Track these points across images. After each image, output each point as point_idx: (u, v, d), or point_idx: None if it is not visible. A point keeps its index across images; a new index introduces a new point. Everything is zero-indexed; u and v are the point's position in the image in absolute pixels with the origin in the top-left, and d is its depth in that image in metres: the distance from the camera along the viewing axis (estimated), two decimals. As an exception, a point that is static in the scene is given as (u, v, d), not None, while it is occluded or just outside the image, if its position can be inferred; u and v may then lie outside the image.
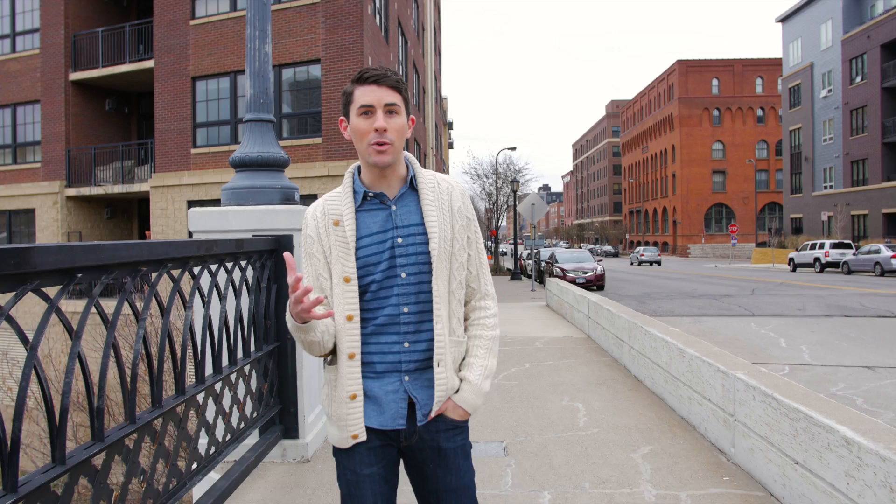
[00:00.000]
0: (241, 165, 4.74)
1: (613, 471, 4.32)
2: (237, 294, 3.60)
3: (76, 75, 21.57)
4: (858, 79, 46.18)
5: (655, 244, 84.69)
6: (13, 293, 1.90)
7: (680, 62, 76.64)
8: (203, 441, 3.23)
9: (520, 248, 40.84)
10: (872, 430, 3.05)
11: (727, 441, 4.55)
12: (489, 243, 49.22)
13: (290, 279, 1.78)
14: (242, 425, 3.71)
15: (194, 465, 3.06)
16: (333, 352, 2.02)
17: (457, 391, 2.00)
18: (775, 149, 72.96)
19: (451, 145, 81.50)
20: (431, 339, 1.94)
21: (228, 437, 3.52)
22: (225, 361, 3.48)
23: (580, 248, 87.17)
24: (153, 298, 2.72)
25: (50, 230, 21.34)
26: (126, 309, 2.45)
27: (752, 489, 3.95)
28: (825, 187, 50.44)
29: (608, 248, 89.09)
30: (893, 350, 10.09)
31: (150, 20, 20.54)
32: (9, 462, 1.82)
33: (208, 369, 3.35)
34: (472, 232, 2.06)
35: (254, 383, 3.85)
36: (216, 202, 18.68)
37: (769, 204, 72.97)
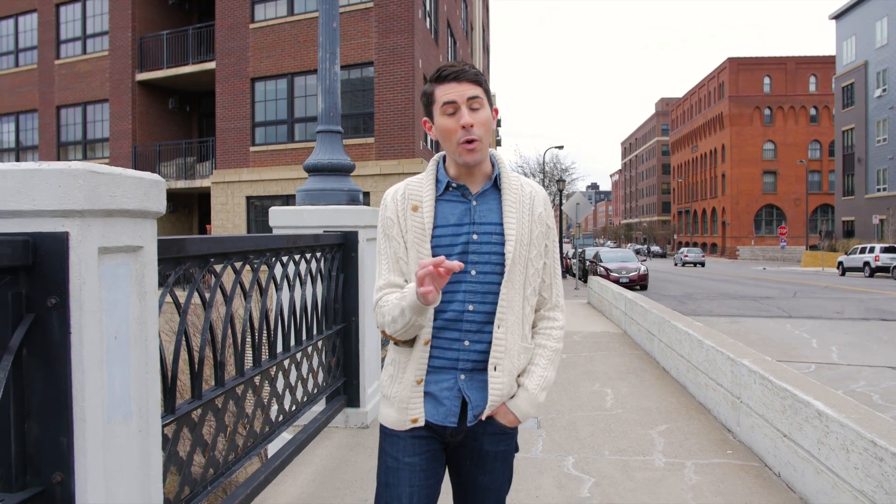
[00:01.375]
0: (314, 170, 5.50)
1: (631, 443, 4.96)
2: (314, 281, 4.36)
3: (142, 76, 22.78)
4: (914, 79, 45.44)
5: (704, 245, 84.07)
6: (172, 271, 2.65)
7: (731, 60, 75.82)
8: (287, 399, 3.98)
9: (566, 246, 41.25)
10: (840, 405, 3.65)
11: (734, 421, 5.15)
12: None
13: (424, 266, 1.72)
14: (316, 391, 4.47)
15: (268, 427, 3.80)
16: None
17: (512, 397, 1.99)
18: (828, 149, 71.71)
19: (499, 143, 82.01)
20: (490, 342, 1.94)
21: (305, 399, 4.27)
22: (304, 336, 4.23)
23: (627, 247, 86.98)
24: (255, 283, 3.48)
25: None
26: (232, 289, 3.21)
27: (750, 460, 4.56)
28: (878, 189, 49.71)
29: (656, 248, 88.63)
30: (921, 351, 10.46)
31: (211, 23, 21.61)
32: (170, 391, 2.56)
33: (292, 342, 4.09)
34: (550, 240, 2.04)
35: (324, 357, 4.60)
36: (273, 198, 19.66)
37: (821, 206, 71.79)
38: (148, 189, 2.20)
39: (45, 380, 1.86)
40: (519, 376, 2.01)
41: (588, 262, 28.87)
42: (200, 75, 22.02)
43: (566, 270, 31.89)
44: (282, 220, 5.24)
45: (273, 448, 4.49)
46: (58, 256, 1.87)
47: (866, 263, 35.42)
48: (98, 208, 1.96)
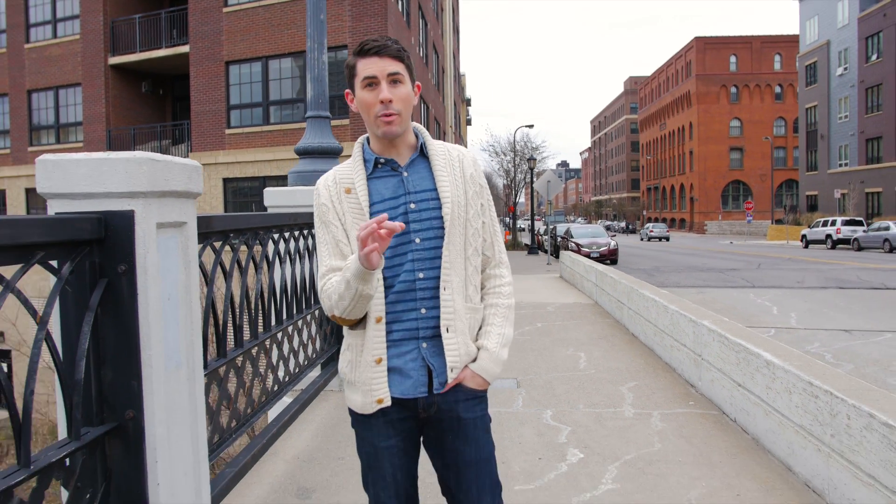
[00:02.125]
0: (305, 153, 5.88)
1: (603, 397, 5.45)
2: (311, 256, 4.76)
3: (115, 59, 22.77)
4: (874, 57, 46.47)
5: (672, 221, 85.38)
6: (201, 245, 3.04)
7: (697, 39, 76.68)
8: (291, 362, 4.40)
9: (538, 224, 41.86)
10: (785, 355, 4.15)
11: (696, 377, 5.66)
12: (507, 219, 50.30)
13: (365, 226, 1.70)
14: (314, 356, 4.89)
15: (276, 386, 4.21)
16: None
17: (474, 360, 2.00)
18: (793, 126, 72.96)
19: (469, 122, 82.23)
20: None
21: (305, 362, 4.69)
22: (303, 306, 4.64)
23: (598, 224, 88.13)
24: (264, 257, 3.88)
25: (94, 207, 22.65)
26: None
27: (710, 409, 5.07)
28: (840, 165, 50.93)
29: (624, 224, 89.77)
30: (873, 317, 11.11)
31: (184, 7, 21.64)
32: (203, 350, 2.96)
33: (294, 311, 4.50)
34: (485, 199, 2.07)
35: (320, 326, 5.02)
36: (249, 179, 19.91)
37: (787, 181, 73.13)
38: (191, 173, 2.60)
39: (117, 333, 2.26)
40: (477, 340, 2.04)
41: (559, 239, 29.45)
42: (174, 59, 22.07)
43: (538, 247, 32.44)
44: (277, 200, 5.60)
45: (274, 412, 4.91)
46: (126, 230, 2.27)
47: (828, 236, 36.45)
48: (156, 190, 2.36)
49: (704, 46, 76.27)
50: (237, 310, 3.54)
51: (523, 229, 58.73)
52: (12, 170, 24.65)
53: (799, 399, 3.73)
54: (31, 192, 24.42)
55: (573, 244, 26.20)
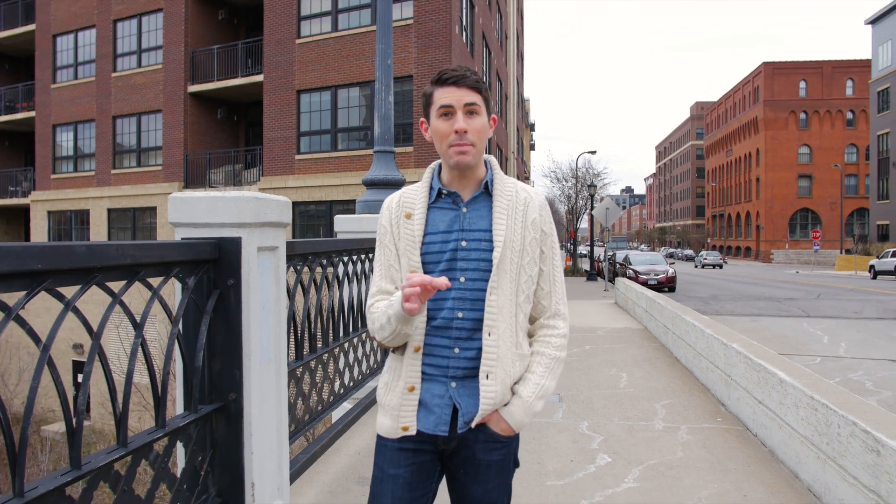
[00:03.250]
0: (371, 184, 6.57)
1: (637, 412, 5.93)
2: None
3: (194, 87, 24.14)
4: (948, 84, 45.43)
5: (738, 249, 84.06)
6: (290, 265, 3.70)
7: (766, 64, 75.76)
8: (356, 370, 5.04)
9: (598, 249, 41.98)
10: (796, 373, 4.60)
11: (726, 396, 6.09)
12: (568, 245, 50.52)
13: (411, 285, 1.76)
14: (375, 367, 5.52)
15: (342, 390, 4.84)
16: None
17: (505, 405, 1.97)
18: (865, 153, 71.24)
19: (532, 146, 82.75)
20: (481, 349, 1.93)
21: (367, 371, 5.32)
22: (362, 323, 5.29)
23: (661, 251, 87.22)
24: (335, 277, 4.53)
25: (170, 226, 23.94)
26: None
27: (735, 425, 5.50)
28: (912, 194, 49.66)
29: (689, 251, 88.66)
30: (924, 347, 11.21)
31: (259, 38, 22.87)
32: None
33: (359, 325, 5.14)
34: (547, 246, 2.02)
35: (374, 342, 5.66)
36: (316, 203, 20.86)
37: (858, 210, 71.33)
38: (282, 208, 3.26)
39: (225, 333, 2.91)
40: (515, 384, 1.99)
41: (618, 265, 29.66)
42: (248, 87, 23.28)
43: (597, 273, 32.66)
44: (346, 226, 6.29)
45: (337, 415, 5.54)
46: (234, 252, 2.93)
47: (897, 266, 35.68)
48: (257, 221, 3.02)
49: (773, 72, 75.29)
50: (312, 321, 4.19)
51: (584, 255, 58.80)
52: (97, 191, 26.26)
53: (804, 413, 4.18)
54: (112, 212, 25.96)
55: (631, 271, 26.43)
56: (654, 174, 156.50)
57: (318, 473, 4.35)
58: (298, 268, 3.94)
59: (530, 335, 2.08)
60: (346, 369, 4.91)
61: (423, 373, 1.96)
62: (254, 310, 3.00)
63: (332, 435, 4.69)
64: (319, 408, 4.35)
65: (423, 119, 2.06)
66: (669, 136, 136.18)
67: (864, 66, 70.42)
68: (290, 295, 3.82)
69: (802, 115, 75.16)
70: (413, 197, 2.03)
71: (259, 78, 22.45)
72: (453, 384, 1.94)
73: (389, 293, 2.04)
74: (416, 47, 19.44)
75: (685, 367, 7.98)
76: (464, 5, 21.60)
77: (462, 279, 1.93)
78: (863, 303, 19.67)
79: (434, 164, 2.09)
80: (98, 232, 25.86)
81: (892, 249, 38.05)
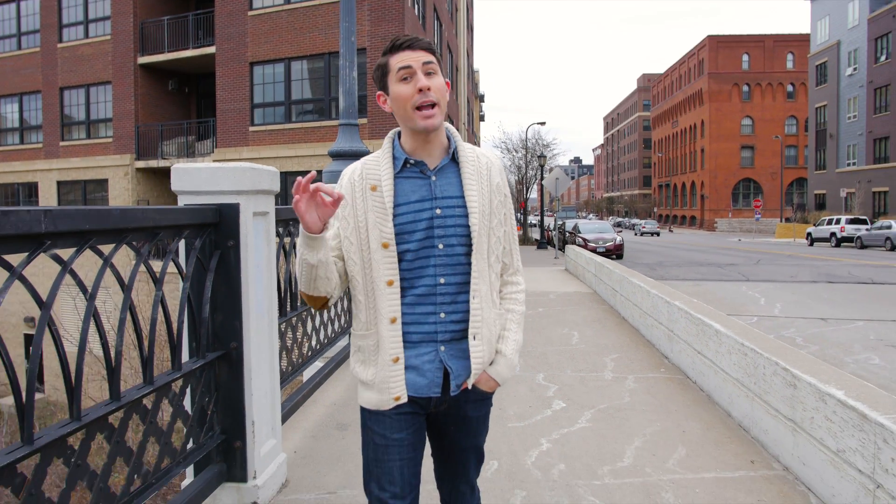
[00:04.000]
0: (337, 155, 6.91)
1: (588, 365, 6.45)
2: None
3: (144, 59, 23.87)
4: (883, 58, 47.08)
5: (683, 218, 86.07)
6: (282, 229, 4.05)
7: (710, 37, 77.18)
8: (330, 327, 5.42)
9: (548, 219, 42.76)
10: (731, 325, 5.13)
11: (669, 349, 6.64)
12: (518, 215, 51.23)
13: (300, 178, 1.80)
14: (346, 326, 5.91)
15: (319, 346, 5.22)
16: (322, 308, 2.12)
17: (491, 363, 2.06)
18: (804, 125, 73.31)
19: (482, 118, 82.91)
20: (467, 311, 1.98)
21: (339, 330, 5.71)
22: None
23: (609, 220, 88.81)
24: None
25: (121, 198, 23.82)
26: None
27: (676, 374, 6.05)
28: (848, 164, 51.52)
29: (636, 221, 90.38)
30: (851, 308, 12.03)
31: (210, 10, 22.69)
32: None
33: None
34: (508, 209, 2.09)
35: (345, 304, 6.04)
36: (272, 175, 20.94)
37: (797, 179, 73.55)
38: (273, 177, 3.62)
39: (226, 288, 3.27)
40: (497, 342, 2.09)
41: (567, 234, 30.37)
42: (200, 59, 23.11)
43: (547, 241, 33.36)
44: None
45: (310, 372, 5.92)
46: (233, 217, 3.28)
47: (833, 234, 37.20)
48: (253, 189, 3.37)
49: (717, 45, 76.76)
50: (293, 283, 4.56)
51: (534, 225, 59.67)
52: (45, 163, 25.86)
53: (735, 358, 4.71)
54: (62, 185, 25.63)
55: (580, 239, 27.14)
56: (603, 145, 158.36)
57: (300, 421, 4.74)
58: (280, 231, 4.29)
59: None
60: (322, 327, 5.30)
61: (408, 341, 1.98)
62: (251, 267, 3.37)
63: (309, 388, 5.09)
64: (300, 361, 4.74)
65: (380, 92, 2.04)
66: (617, 108, 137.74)
67: (804, 39, 71.99)
68: (278, 257, 4.17)
69: (745, 88, 76.88)
70: (375, 168, 2.00)
71: (211, 50, 22.32)
72: (442, 348, 1.98)
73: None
74: (369, 20, 19.58)
75: (632, 326, 8.54)
76: (416, -22, 21.76)
77: (440, 246, 1.95)
78: (797, 267, 20.68)
79: (392, 133, 2.06)
80: (48, 204, 25.49)
81: (827, 217, 39.60)
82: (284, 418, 4.33)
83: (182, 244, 3.15)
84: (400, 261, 1.94)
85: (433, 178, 1.98)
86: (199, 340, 3.13)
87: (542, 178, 34.86)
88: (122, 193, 23.93)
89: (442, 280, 1.96)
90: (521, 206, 47.00)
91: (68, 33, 25.43)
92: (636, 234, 63.23)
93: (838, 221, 37.39)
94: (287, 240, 4.49)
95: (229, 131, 21.79)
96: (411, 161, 1.98)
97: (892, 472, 2.78)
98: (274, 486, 3.57)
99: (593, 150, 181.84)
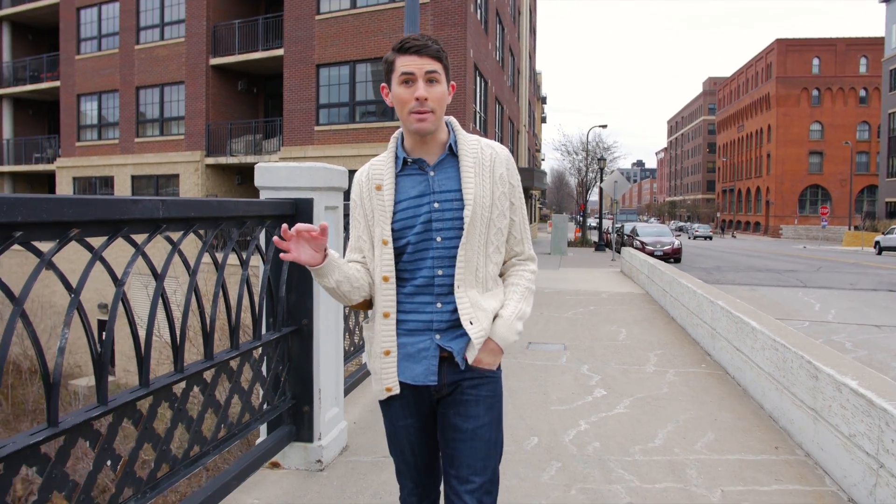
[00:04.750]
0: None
1: (632, 359, 6.76)
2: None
3: (215, 60, 24.85)
4: (960, 62, 45.54)
5: (748, 224, 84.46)
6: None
7: (779, 41, 75.54)
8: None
9: (606, 222, 42.70)
10: (766, 323, 5.40)
11: (711, 346, 6.90)
12: (578, 217, 51.27)
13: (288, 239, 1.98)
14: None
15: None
16: (369, 308, 2.18)
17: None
18: (877, 131, 71.18)
19: (544, 119, 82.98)
20: None
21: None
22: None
23: (670, 224, 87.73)
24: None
25: (191, 192, 24.84)
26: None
27: (716, 370, 6.32)
28: (921, 171, 49.96)
29: (698, 225, 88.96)
30: (908, 315, 11.97)
31: (279, 14, 23.52)
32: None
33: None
34: (516, 198, 2.11)
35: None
36: (335, 174, 21.66)
37: (868, 187, 71.39)
38: (342, 176, 4.07)
39: (299, 273, 3.72)
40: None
41: (626, 237, 30.38)
42: (268, 61, 23.96)
43: (606, 244, 33.41)
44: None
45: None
46: (308, 210, 3.73)
47: (902, 243, 36.22)
48: (325, 186, 3.81)
49: (786, 48, 75.06)
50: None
51: (594, 227, 59.53)
52: (121, 158, 27.15)
53: (768, 353, 4.98)
54: (136, 179, 26.86)
55: (638, 242, 27.17)
56: (666, 148, 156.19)
57: (359, 397, 5.20)
58: (346, 222, 4.74)
59: (502, 275, 2.20)
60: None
61: (405, 330, 2.04)
62: (322, 254, 3.81)
63: (366, 370, 5.54)
64: (361, 343, 5.19)
65: (383, 84, 2.09)
66: (682, 111, 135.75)
67: (878, 43, 70.02)
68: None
69: (815, 92, 75.00)
70: (381, 168, 2.08)
71: (279, 52, 23.14)
72: (437, 336, 2.02)
73: (356, 262, 2.15)
74: (432, 25, 20.07)
75: (679, 325, 8.78)
76: (479, -18, 22.19)
77: (438, 239, 2.00)
78: (859, 276, 20.38)
79: (397, 134, 2.13)
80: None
81: (896, 226, 38.57)
82: (346, 392, 4.78)
83: (263, 233, 3.62)
84: (400, 255, 2.03)
85: (431, 173, 2.04)
86: (276, 316, 3.59)
87: (601, 181, 34.91)
88: (193, 188, 24.96)
89: (440, 272, 2.01)
90: (581, 209, 47.01)
91: (145, 35, 26.63)
92: (689, 238, 64.36)
93: (907, 230, 36.39)
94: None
95: (295, 130, 22.57)
96: (410, 159, 2.05)
97: (892, 453, 3.07)
98: (336, 449, 4.02)
99: (656, 154, 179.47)
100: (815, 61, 74.81)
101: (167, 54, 25.83)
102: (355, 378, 5.14)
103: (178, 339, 2.73)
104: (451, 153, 2.06)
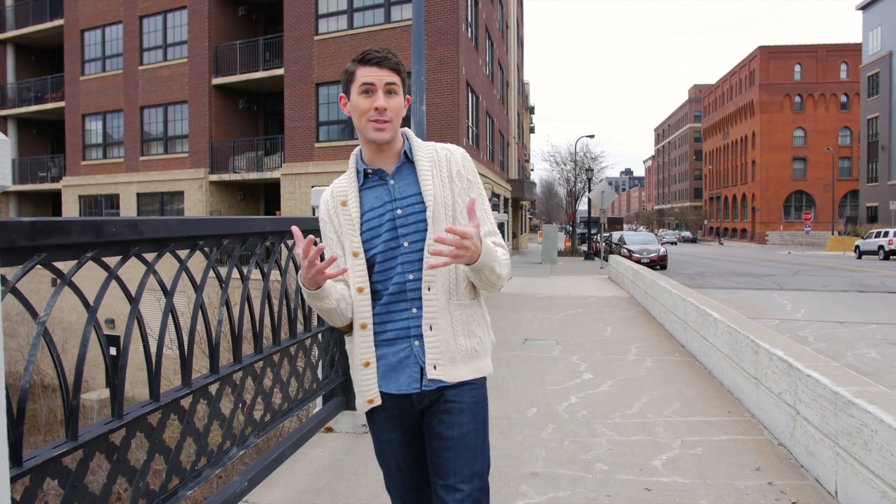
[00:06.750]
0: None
1: (615, 350, 7.79)
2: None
3: (217, 80, 25.90)
4: (935, 70, 47.02)
5: (735, 231, 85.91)
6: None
7: (761, 48, 77.05)
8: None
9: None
10: (724, 313, 6.44)
11: (684, 338, 7.94)
12: (567, 227, 52.43)
13: (297, 249, 1.88)
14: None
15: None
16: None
17: (470, 356, 2.08)
18: (858, 136, 72.63)
19: (532, 129, 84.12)
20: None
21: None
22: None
23: (658, 232, 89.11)
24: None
25: (196, 209, 25.81)
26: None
27: (688, 357, 7.37)
28: (901, 176, 51.41)
29: (686, 233, 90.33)
30: (870, 313, 13.05)
31: (278, 35, 24.60)
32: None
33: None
34: (475, 193, 2.10)
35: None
36: (335, 188, 22.67)
37: (851, 192, 72.65)
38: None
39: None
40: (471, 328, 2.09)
41: (613, 245, 31.50)
42: (269, 80, 25.03)
43: (594, 253, 34.51)
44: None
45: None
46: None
47: (880, 247, 37.36)
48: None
49: (768, 55, 76.50)
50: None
51: (582, 233, 60.75)
52: (126, 176, 28.12)
53: (725, 338, 6.02)
54: (141, 196, 27.81)
55: (625, 250, 28.28)
56: (653, 156, 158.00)
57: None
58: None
59: None
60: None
61: (385, 340, 2.03)
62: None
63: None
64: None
65: (342, 94, 2.11)
66: (668, 119, 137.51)
67: (857, 49, 71.44)
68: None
69: (797, 99, 76.48)
70: (344, 185, 2.10)
71: (279, 71, 24.20)
72: (416, 342, 2.01)
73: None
74: (426, 44, 21.08)
75: (659, 323, 9.83)
76: (469, 3, 23.31)
77: (406, 244, 2.01)
78: (833, 278, 21.52)
79: (356, 151, 2.15)
80: (128, 215, 27.66)
81: (876, 230, 39.77)
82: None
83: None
84: (372, 265, 2.05)
85: (392, 181, 2.06)
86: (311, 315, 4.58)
87: (589, 191, 36.05)
88: (197, 205, 25.93)
89: (410, 276, 2.01)
90: (571, 219, 48.14)
91: (148, 56, 27.66)
92: (663, 243, 66.79)
93: (886, 234, 37.55)
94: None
95: (296, 147, 23.60)
96: (370, 171, 2.07)
97: (804, 401, 4.09)
98: (376, 417, 5.01)
99: (644, 162, 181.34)
100: (797, 68, 76.32)
101: (170, 74, 26.84)
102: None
103: (256, 328, 3.71)
104: (408, 160, 2.09)
